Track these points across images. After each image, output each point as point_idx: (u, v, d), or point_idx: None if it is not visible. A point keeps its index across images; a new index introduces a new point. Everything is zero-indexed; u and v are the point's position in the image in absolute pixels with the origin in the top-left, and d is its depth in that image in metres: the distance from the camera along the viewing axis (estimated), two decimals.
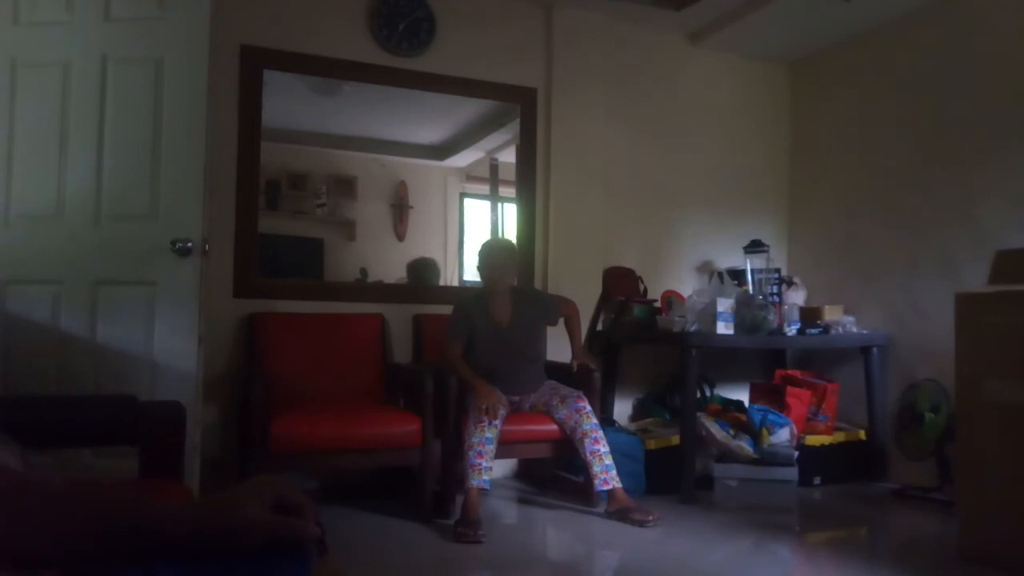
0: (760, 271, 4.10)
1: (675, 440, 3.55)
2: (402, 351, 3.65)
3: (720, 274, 3.87)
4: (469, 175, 4.35)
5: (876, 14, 3.94)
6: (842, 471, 3.77)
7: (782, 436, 3.54)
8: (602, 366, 3.82)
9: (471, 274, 3.87)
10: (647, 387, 4.18)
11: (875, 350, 3.87)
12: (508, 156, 4.13)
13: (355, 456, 3.00)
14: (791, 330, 3.78)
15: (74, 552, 0.71)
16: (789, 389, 3.79)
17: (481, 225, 4.27)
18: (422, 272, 3.99)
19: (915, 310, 3.82)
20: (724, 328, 3.52)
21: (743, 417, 3.66)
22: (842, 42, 4.29)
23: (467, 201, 4.31)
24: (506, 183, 4.15)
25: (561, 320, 3.49)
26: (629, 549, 2.85)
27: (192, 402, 2.37)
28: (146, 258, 2.48)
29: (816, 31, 4.22)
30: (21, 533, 0.69)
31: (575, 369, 3.41)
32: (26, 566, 0.70)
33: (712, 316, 3.52)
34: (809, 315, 3.96)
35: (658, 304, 3.96)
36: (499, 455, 3.06)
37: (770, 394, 3.86)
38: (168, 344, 2.47)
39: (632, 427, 3.87)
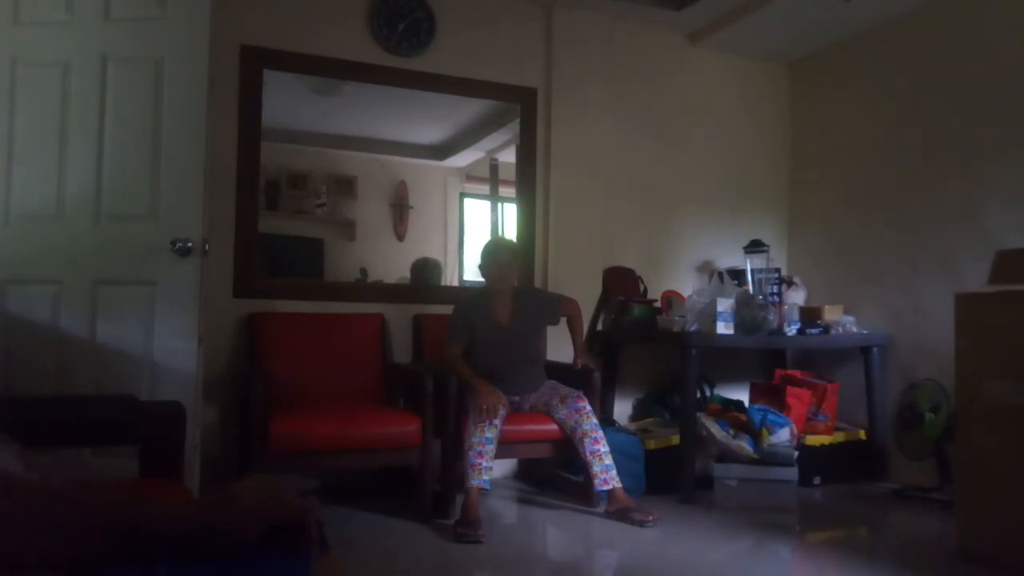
0: (760, 271, 4.10)
1: (675, 440, 3.55)
2: (402, 351, 3.65)
3: (720, 274, 3.87)
4: (469, 175, 4.35)
5: (876, 14, 3.94)
6: (842, 471, 3.77)
7: (782, 436, 3.54)
8: (602, 366, 3.82)
9: (471, 274, 3.87)
10: (647, 387, 4.18)
11: (875, 350, 3.87)
12: (508, 156, 4.13)
13: (355, 456, 3.00)
14: (791, 330, 3.78)
15: (74, 552, 0.71)
16: (789, 389, 3.79)
17: (481, 225, 4.27)
18: (425, 272, 3.99)
19: (915, 310, 3.82)
20: (724, 328, 3.52)
21: (743, 417, 3.66)
22: (842, 42, 4.29)
23: (467, 201, 4.31)
24: (506, 183, 4.15)
25: (563, 319, 3.49)
26: (629, 549, 2.85)
27: (192, 402, 2.37)
28: (146, 258, 2.48)
29: (816, 31, 4.22)
30: (22, 534, 0.69)
31: (579, 367, 3.41)
32: (27, 567, 0.70)
33: (712, 316, 3.52)
34: (809, 315, 3.96)
35: (658, 304, 3.96)
36: (499, 455, 3.06)
37: (770, 394, 3.86)
38: (168, 344, 2.47)
39: (632, 427, 3.87)
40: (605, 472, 3.08)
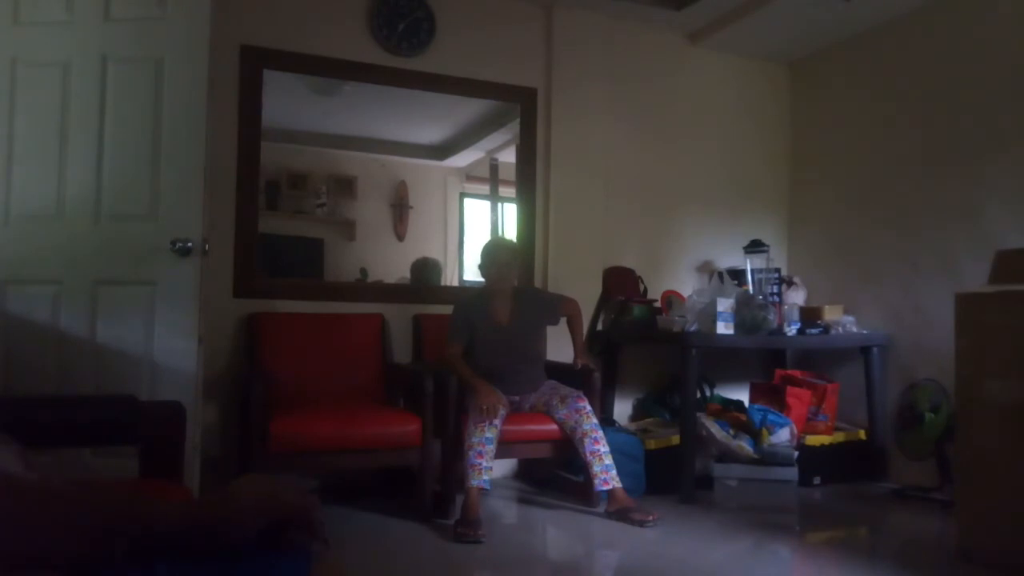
0: (760, 271, 4.10)
1: (675, 440, 3.55)
2: (402, 351, 3.65)
3: (720, 274, 3.87)
4: (469, 175, 4.35)
5: (876, 14, 3.94)
6: (842, 471, 3.77)
7: (782, 436, 3.54)
8: (602, 366, 3.82)
9: (471, 274, 3.87)
10: (647, 387, 4.18)
11: (875, 350, 3.87)
12: (508, 156, 4.13)
13: (355, 456, 3.00)
14: (791, 330, 3.78)
15: (74, 552, 0.71)
16: (789, 389, 3.79)
17: (481, 225, 4.27)
18: (425, 272, 3.99)
19: (915, 310, 3.82)
20: (724, 328, 3.52)
21: (743, 417, 3.66)
22: (842, 42, 4.29)
23: (467, 201, 4.31)
24: (506, 183, 4.15)
25: (563, 319, 3.49)
26: (629, 549, 2.85)
27: (192, 402, 2.37)
28: (146, 258, 2.48)
29: (816, 31, 4.22)
30: (22, 534, 0.69)
31: (578, 367, 3.41)
32: (27, 566, 0.70)
33: (712, 316, 3.52)
34: (809, 315, 3.96)
35: (658, 304, 3.96)
36: (499, 455, 3.06)
37: (770, 394, 3.86)
38: (168, 344, 2.47)
39: (632, 427, 3.87)
40: (605, 472, 3.08)
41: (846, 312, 4.04)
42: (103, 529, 0.71)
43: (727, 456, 3.51)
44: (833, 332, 3.87)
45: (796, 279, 4.33)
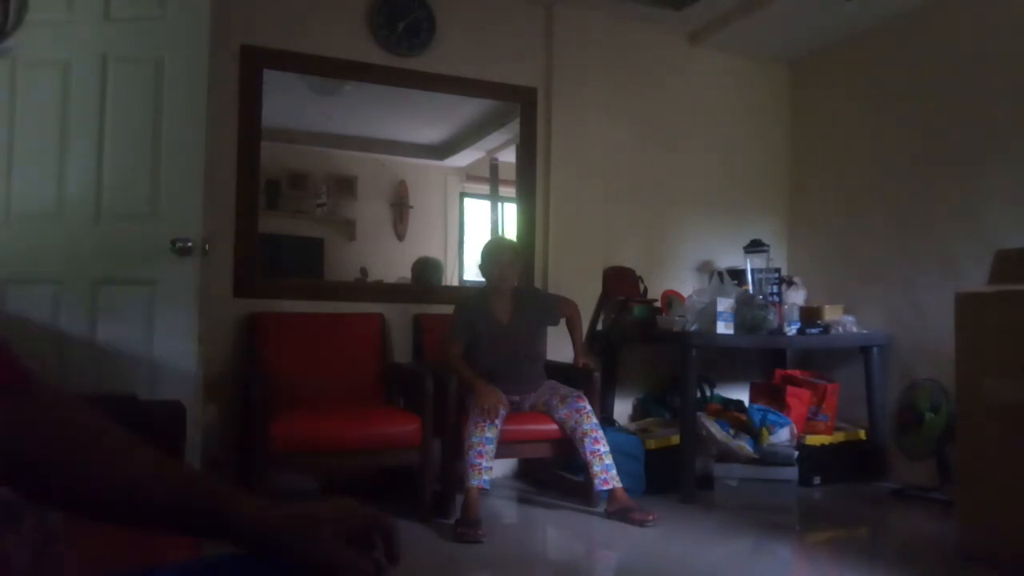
0: (760, 271, 4.10)
1: (675, 440, 3.55)
2: (402, 351, 3.65)
3: (720, 274, 3.87)
4: (469, 175, 4.36)
5: (876, 14, 3.94)
6: (842, 471, 3.77)
7: (782, 436, 3.54)
8: (602, 366, 3.82)
9: (472, 274, 3.87)
10: (647, 387, 4.18)
11: (875, 350, 3.87)
12: (508, 156, 4.13)
13: (355, 456, 3.00)
14: (791, 330, 3.78)
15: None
16: (789, 389, 3.79)
17: (481, 225, 4.27)
18: (426, 272, 3.99)
19: (915, 310, 3.82)
20: (724, 328, 3.52)
21: (743, 417, 3.66)
22: (842, 42, 4.29)
23: (467, 201, 4.31)
24: (506, 183, 4.15)
25: (562, 320, 3.49)
26: (629, 549, 2.85)
27: (192, 402, 2.37)
28: (146, 258, 2.48)
29: (816, 31, 4.21)
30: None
31: (579, 367, 3.41)
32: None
33: (712, 316, 3.52)
34: (809, 315, 3.96)
35: (658, 304, 3.96)
36: (499, 455, 3.06)
37: (770, 394, 3.86)
38: (168, 344, 2.47)
39: (632, 427, 3.87)
40: (605, 472, 3.08)
41: (846, 312, 4.04)
42: (184, 503, 0.71)
43: (727, 456, 3.51)
44: (833, 332, 3.87)
45: (796, 279, 4.33)
